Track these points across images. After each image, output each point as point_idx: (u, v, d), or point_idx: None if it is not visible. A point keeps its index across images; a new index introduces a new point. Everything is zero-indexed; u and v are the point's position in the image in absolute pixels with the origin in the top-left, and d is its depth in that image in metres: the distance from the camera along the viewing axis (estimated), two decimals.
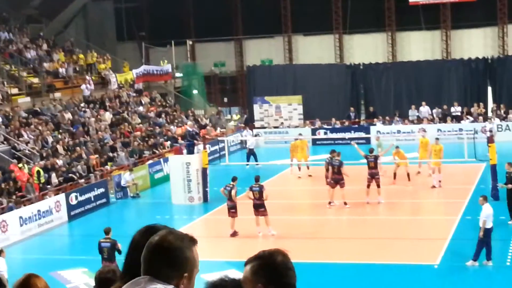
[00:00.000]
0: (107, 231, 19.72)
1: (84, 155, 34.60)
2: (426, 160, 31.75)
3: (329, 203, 28.03)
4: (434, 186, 30.34)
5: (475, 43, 52.46)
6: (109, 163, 35.47)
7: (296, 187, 33.82)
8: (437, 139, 31.62)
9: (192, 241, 3.30)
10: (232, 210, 24.68)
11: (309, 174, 33.40)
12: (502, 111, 44.29)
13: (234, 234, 24.64)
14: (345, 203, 27.79)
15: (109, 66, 48.37)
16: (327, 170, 28.42)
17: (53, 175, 31.29)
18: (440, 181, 30.16)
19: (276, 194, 28.97)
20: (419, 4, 51.35)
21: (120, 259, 18.62)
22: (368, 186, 28.10)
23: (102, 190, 31.70)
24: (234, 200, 24.66)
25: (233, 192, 24.68)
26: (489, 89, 46.75)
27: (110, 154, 36.46)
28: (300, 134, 35.82)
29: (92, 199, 30.90)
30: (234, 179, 25.31)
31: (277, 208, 26.85)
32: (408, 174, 31.20)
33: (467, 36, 52.97)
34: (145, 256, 3.23)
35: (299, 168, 35.06)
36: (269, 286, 3.26)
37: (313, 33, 55.69)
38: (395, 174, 31.45)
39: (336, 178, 27.73)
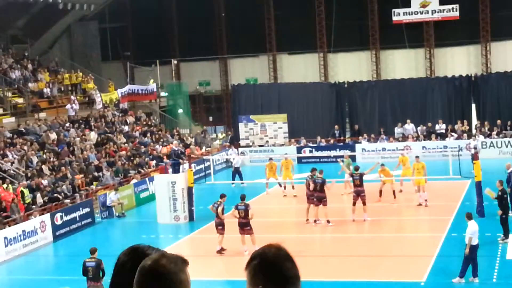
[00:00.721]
0: (92, 251, 19.61)
1: (69, 175, 34.48)
2: (410, 177, 31.78)
3: (315, 221, 28.02)
4: (420, 204, 30.34)
5: (459, 61, 52.86)
6: (94, 183, 35.37)
7: (281, 205, 33.80)
8: (417, 157, 31.63)
9: (184, 262, 3.27)
10: (220, 227, 24.62)
11: (294, 195, 33.34)
12: (486, 128, 44.53)
13: (221, 250, 24.59)
14: (328, 221, 27.80)
15: (93, 86, 48.30)
16: (308, 188, 28.43)
17: (38, 195, 31.14)
18: (426, 200, 30.14)
19: (261, 212, 28.95)
20: (402, 23, 51.71)
21: (106, 280, 18.53)
22: (354, 203, 28.14)
23: (87, 209, 31.56)
24: (221, 217, 24.62)
25: (219, 209, 24.63)
26: (473, 106, 47.02)
27: (96, 174, 36.36)
28: (286, 154, 35.83)
29: (78, 219, 30.74)
30: (222, 196, 25.29)
31: (263, 226, 26.81)
32: (393, 192, 31.28)
33: (450, 54, 53.36)
34: (139, 282, 3.19)
35: (285, 187, 35.08)
36: (268, 285, 3.13)
37: (298, 51, 55.95)
38: (380, 192, 31.52)
39: (318, 196, 27.73)
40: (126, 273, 3.29)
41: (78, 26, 56.70)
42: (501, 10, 50.82)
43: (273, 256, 3.18)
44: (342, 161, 33.41)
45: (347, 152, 40.82)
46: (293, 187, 34.12)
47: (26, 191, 30.50)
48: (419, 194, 30.47)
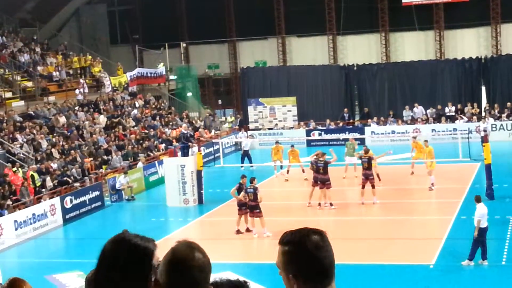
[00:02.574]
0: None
1: (78, 159, 34.57)
2: (423, 160, 31.59)
3: (319, 204, 28.06)
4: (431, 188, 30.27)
5: (469, 43, 52.60)
6: (103, 166, 35.45)
7: (290, 188, 33.80)
8: (425, 141, 31.57)
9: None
10: (244, 208, 24.58)
11: (305, 178, 33.30)
12: (496, 111, 44.35)
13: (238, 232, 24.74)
14: (331, 204, 27.83)
15: (100, 69, 48.32)
16: (313, 171, 28.51)
17: (48, 178, 31.24)
18: (432, 184, 30.06)
19: (271, 196, 29.00)
20: (412, 5, 51.46)
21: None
22: (363, 187, 28.12)
23: (97, 193, 31.66)
24: (241, 198, 24.63)
25: (242, 193, 24.74)
26: (483, 88, 46.79)
27: (105, 157, 36.44)
28: (292, 146, 35.64)
29: (87, 202, 30.84)
30: (242, 177, 25.31)
31: (272, 209, 26.85)
32: (377, 175, 30.99)
33: (460, 36, 53.11)
34: (171, 276, 3.12)
35: (288, 171, 35.05)
36: (301, 277, 3.06)
37: (307, 34, 55.80)
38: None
39: (322, 178, 27.75)
40: (110, 261, 3.22)
41: (86, 9, 56.69)
42: None
43: (312, 246, 3.08)
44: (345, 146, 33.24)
45: (354, 135, 40.85)
46: (303, 171, 34.09)
47: (36, 175, 30.59)
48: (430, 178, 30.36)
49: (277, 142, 35.90)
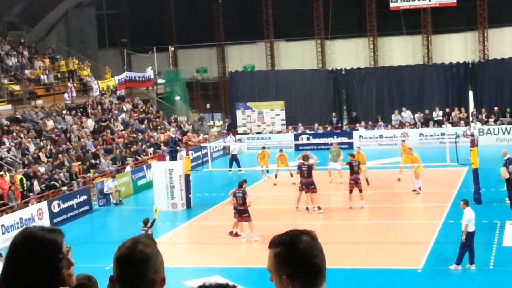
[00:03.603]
0: (145, 222, 22.98)
1: (66, 163, 34.46)
2: (409, 164, 31.67)
3: (306, 208, 28.08)
4: (414, 190, 30.38)
5: (456, 48, 52.81)
6: (91, 170, 35.35)
7: (278, 192, 33.80)
8: (410, 149, 31.61)
9: (155, 242, 3.28)
10: (245, 215, 24.52)
11: (293, 182, 33.26)
12: (483, 115, 44.52)
13: (236, 234, 24.67)
14: (319, 208, 27.86)
15: (89, 73, 48.22)
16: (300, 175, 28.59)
17: (35, 182, 31.12)
18: (419, 188, 30.19)
19: (259, 200, 28.98)
20: (400, 9, 51.61)
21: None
22: (351, 191, 28.14)
23: (84, 197, 31.57)
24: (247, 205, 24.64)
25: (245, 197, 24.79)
26: (470, 93, 46.97)
27: (93, 161, 36.35)
28: (281, 150, 35.65)
29: (75, 206, 30.75)
30: (245, 181, 25.27)
31: (261, 213, 26.83)
32: (366, 179, 31.11)
33: (448, 41, 53.31)
34: (119, 271, 3.19)
35: (276, 176, 35.02)
36: (294, 277, 3.06)
37: (295, 38, 55.88)
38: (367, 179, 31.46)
39: (306, 182, 27.81)
40: (20, 256, 3.25)
41: (75, 12, 56.55)
42: None
43: (304, 246, 3.09)
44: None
45: (343, 139, 40.95)
46: (291, 175, 34.06)
47: (23, 179, 30.45)
48: (416, 181, 30.46)
49: (263, 148, 35.90)
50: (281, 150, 35.41)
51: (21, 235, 3.27)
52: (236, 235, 24.66)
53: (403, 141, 34.04)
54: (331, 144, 37.03)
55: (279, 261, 3.09)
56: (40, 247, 3.20)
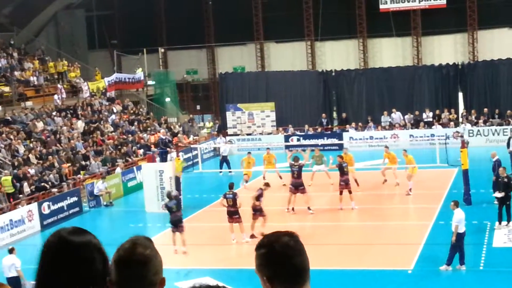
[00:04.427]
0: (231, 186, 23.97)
1: (56, 164, 34.38)
2: (405, 166, 31.61)
3: (292, 209, 28.09)
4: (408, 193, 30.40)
5: (446, 49, 52.97)
6: (81, 172, 35.28)
7: (270, 193, 33.74)
8: (404, 150, 31.60)
9: (152, 242, 3.27)
10: (236, 216, 24.52)
11: (283, 183, 33.22)
12: (473, 116, 44.66)
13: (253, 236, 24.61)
14: (309, 208, 27.90)
15: (78, 74, 48.11)
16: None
17: (25, 184, 31.03)
18: (410, 189, 30.24)
19: (250, 201, 28.96)
20: (389, 11, 51.74)
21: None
22: (341, 192, 28.18)
23: (75, 199, 31.50)
24: (256, 203, 24.64)
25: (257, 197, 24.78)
26: (460, 94, 47.12)
27: (83, 163, 36.27)
28: (268, 149, 35.62)
29: (65, 208, 30.68)
30: (231, 186, 25.29)
31: (251, 215, 26.78)
32: (355, 180, 31.11)
33: (437, 43, 53.46)
34: (120, 274, 3.16)
35: (264, 177, 34.71)
36: (274, 278, 3.06)
37: (285, 40, 55.94)
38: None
39: (295, 183, 27.87)
40: (51, 254, 3.23)
41: (64, 14, 56.43)
42: None
43: (282, 248, 3.08)
44: (304, 150, 32.70)
45: (333, 141, 40.98)
46: (280, 177, 33.99)
47: (12, 180, 30.36)
48: (409, 183, 30.46)
49: (249, 153, 35.68)
50: (268, 149, 35.36)
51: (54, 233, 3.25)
52: (253, 236, 24.47)
53: (387, 147, 33.70)
54: (322, 145, 37.11)
55: (260, 263, 3.11)
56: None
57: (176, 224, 23.77)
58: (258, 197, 24.82)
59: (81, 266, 3.12)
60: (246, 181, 34.07)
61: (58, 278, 3.10)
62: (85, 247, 3.17)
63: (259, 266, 3.11)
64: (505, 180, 24.28)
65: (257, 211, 24.70)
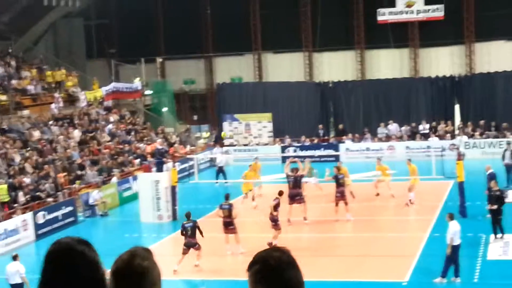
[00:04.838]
0: (188, 215, 23.32)
1: (52, 173, 34.33)
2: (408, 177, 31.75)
3: (288, 220, 28.01)
4: (407, 203, 30.45)
5: (443, 61, 53.03)
6: (77, 181, 35.21)
7: (265, 204, 33.73)
8: (409, 160, 31.70)
9: (151, 253, 3.26)
10: (273, 223, 24.52)
11: (259, 194, 33.22)
12: (469, 129, 44.71)
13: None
14: (305, 219, 27.91)
15: (75, 84, 48.10)
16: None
17: (20, 193, 30.99)
18: (410, 200, 30.30)
19: (245, 212, 28.98)
20: (387, 23, 51.80)
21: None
22: (337, 204, 28.19)
23: (70, 208, 31.45)
24: (273, 213, 24.64)
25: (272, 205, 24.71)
26: (457, 107, 47.20)
27: (79, 172, 36.22)
28: (256, 158, 35.60)
29: (60, 217, 30.61)
30: (280, 193, 25.29)
31: (247, 226, 26.81)
32: (351, 192, 31.10)
33: (434, 55, 53.53)
34: (117, 285, 3.18)
35: (253, 198, 34.44)
36: None
37: (283, 50, 55.98)
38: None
39: (291, 193, 27.95)
40: (52, 266, 3.26)
41: (63, 22, 56.45)
42: (485, 11, 51.03)
43: (275, 262, 3.06)
44: (302, 161, 32.56)
45: (329, 152, 41.01)
46: (259, 188, 33.93)
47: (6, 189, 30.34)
48: (410, 195, 30.53)
49: (256, 158, 35.65)
50: (256, 158, 35.29)
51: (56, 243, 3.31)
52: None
53: (379, 159, 33.87)
54: (318, 156, 37.11)
55: (253, 281, 3.08)
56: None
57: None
58: (276, 207, 24.81)
59: (85, 275, 3.15)
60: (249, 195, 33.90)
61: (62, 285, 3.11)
62: (91, 257, 3.20)
63: (253, 284, 3.08)
64: (497, 193, 24.32)
65: (275, 222, 24.67)
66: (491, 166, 29.38)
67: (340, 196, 28.17)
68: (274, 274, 3.05)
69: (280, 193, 25.72)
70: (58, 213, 30.55)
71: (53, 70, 48.46)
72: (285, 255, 3.11)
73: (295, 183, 27.95)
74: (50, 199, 31.79)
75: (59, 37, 56.74)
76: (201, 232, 23.20)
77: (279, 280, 3.04)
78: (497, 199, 24.16)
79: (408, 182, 30.81)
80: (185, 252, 22.91)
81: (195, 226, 23.22)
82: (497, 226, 24.11)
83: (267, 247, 3.24)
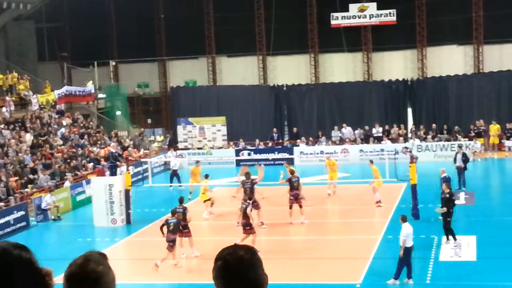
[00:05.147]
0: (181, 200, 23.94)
1: (3, 177, 33.84)
2: (335, 180, 32.51)
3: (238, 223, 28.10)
4: (378, 202, 30.78)
5: (396, 65, 53.60)
6: (29, 186, 34.79)
7: (220, 208, 33.70)
8: (371, 161, 32.01)
9: (106, 258, 3.22)
10: (247, 227, 24.42)
11: (233, 196, 33.15)
12: (422, 132, 45.22)
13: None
14: (262, 223, 27.94)
15: (27, 87, 47.53)
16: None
17: None
18: (379, 200, 30.67)
19: (200, 215, 28.91)
20: (341, 27, 52.15)
21: None
22: (291, 207, 28.26)
23: (22, 213, 31.02)
24: (249, 216, 24.51)
25: (248, 209, 24.52)
26: (409, 110, 47.72)
27: (31, 176, 35.79)
28: (197, 162, 35.54)
29: (12, 222, 30.16)
30: (181, 200, 25.10)
31: (201, 229, 26.74)
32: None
33: (387, 58, 54.08)
34: None
35: (190, 192, 34.44)
36: None
37: (237, 54, 56.06)
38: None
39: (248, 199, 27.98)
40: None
41: (13, 25, 55.74)
42: (437, 16, 51.70)
43: (236, 260, 3.07)
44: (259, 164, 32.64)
45: (284, 155, 41.16)
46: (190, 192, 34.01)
47: None
48: (376, 195, 30.89)
49: (197, 161, 35.51)
50: (198, 162, 35.14)
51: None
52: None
53: (328, 156, 34.55)
54: (272, 160, 37.22)
55: (215, 275, 3.10)
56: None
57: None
58: (245, 211, 24.73)
59: (22, 279, 3.10)
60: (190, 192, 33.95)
61: None
62: (27, 262, 3.14)
63: (214, 279, 3.10)
64: (447, 196, 24.61)
65: (249, 226, 24.58)
66: (444, 170, 29.70)
67: (294, 199, 28.26)
68: (233, 272, 3.06)
69: (250, 197, 25.60)
70: (10, 218, 30.10)
71: (4, 73, 47.81)
72: (248, 254, 3.12)
73: (252, 189, 27.94)
74: (1, 204, 31.33)
75: (10, 40, 55.99)
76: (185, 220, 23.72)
77: (237, 278, 3.06)
78: (446, 201, 24.43)
79: (372, 183, 31.06)
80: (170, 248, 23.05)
81: (179, 222, 23.38)
82: (447, 229, 24.36)
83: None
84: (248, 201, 25.39)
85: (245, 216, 24.34)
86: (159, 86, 58.92)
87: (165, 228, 23.13)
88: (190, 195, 34.02)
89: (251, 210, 24.88)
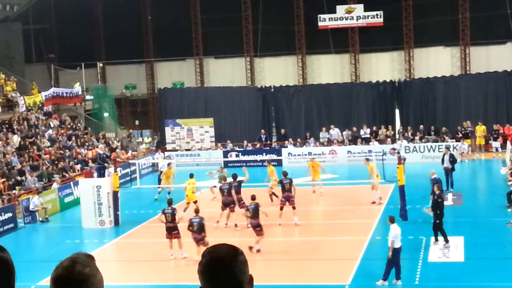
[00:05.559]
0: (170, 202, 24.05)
1: None
2: (319, 181, 32.96)
3: (225, 224, 28.21)
4: (374, 202, 30.89)
5: (383, 67, 53.78)
6: (17, 187, 34.68)
7: (209, 209, 33.67)
8: (366, 159, 32.25)
9: (93, 259, 3.21)
10: (257, 228, 24.45)
11: (214, 197, 33.28)
12: (409, 133, 45.35)
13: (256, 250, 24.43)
14: (236, 225, 28.06)
15: (14, 88, 47.37)
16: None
17: None
18: (380, 198, 30.83)
19: (188, 217, 28.85)
20: (328, 28, 52.26)
21: None
22: (281, 208, 28.28)
23: (9, 214, 30.91)
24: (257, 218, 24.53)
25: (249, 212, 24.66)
26: (397, 111, 47.84)
27: (18, 178, 35.67)
28: (169, 164, 35.60)
29: None
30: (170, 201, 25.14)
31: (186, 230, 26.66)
32: (272, 195, 31.53)
33: (375, 60, 54.24)
34: None
35: (169, 192, 34.45)
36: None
37: (224, 56, 56.07)
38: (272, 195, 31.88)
39: (225, 200, 28.14)
40: None
41: (0, 27, 55.57)
42: (423, 18, 51.92)
43: (218, 258, 3.10)
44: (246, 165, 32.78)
45: (271, 156, 41.25)
46: (168, 191, 34.06)
47: None
48: (373, 192, 30.99)
49: (168, 164, 35.61)
50: (169, 164, 35.23)
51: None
52: (258, 251, 24.38)
53: (313, 158, 34.87)
54: (260, 161, 37.25)
55: (199, 271, 3.12)
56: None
57: (170, 232, 23.82)
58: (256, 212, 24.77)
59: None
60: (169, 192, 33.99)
61: None
62: (6, 263, 3.14)
63: (199, 275, 3.11)
64: (437, 198, 24.66)
65: (259, 227, 24.63)
66: (434, 171, 29.76)
67: (285, 200, 28.28)
68: (215, 270, 3.08)
69: (253, 197, 25.48)
70: None
71: None
72: (231, 253, 3.14)
73: (229, 191, 28.13)
74: None
75: None
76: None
77: (218, 277, 3.07)
78: (437, 203, 24.48)
79: (371, 181, 31.19)
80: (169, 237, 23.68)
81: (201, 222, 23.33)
82: (437, 231, 24.41)
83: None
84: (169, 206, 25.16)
85: (256, 216, 24.36)
86: (147, 87, 58.87)
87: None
88: (157, 196, 34.61)
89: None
